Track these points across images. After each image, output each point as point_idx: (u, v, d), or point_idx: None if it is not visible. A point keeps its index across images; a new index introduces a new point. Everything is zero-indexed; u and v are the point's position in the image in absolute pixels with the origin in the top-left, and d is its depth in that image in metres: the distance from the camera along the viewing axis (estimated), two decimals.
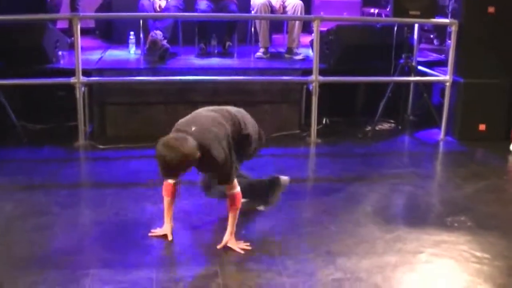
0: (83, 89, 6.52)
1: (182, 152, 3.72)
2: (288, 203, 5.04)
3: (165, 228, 4.38)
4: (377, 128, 7.42)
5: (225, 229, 4.24)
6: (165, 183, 4.34)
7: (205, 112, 4.28)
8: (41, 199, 5.05)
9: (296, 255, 4.12)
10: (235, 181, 4.13)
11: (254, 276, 3.83)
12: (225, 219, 4.43)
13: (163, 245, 4.27)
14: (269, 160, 6.23)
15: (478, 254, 4.23)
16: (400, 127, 7.58)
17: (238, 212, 4.19)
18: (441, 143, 7.06)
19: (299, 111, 7.29)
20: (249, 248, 4.18)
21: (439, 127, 7.17)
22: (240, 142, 4.23)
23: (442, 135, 7.14)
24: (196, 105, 6.88)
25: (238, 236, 4.31)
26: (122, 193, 5.24)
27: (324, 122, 7.40)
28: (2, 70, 6.74)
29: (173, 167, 3.76)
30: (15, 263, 3.97)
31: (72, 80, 6.47)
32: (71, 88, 6.51)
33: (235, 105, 6.85)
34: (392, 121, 7.72)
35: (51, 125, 7.12)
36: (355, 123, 7.57)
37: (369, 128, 7.34)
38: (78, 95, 6.48)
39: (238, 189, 4.14)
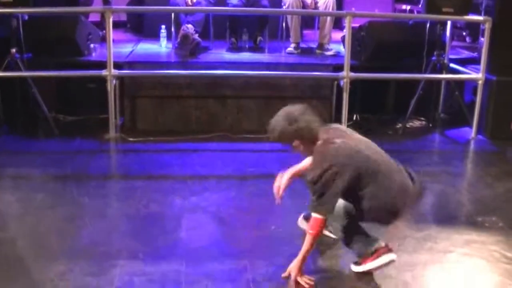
0: (114, 82, 6.54)
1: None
2: None
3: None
4: (407, 126, 7.36)
5: (254, 224, 4.25)
6: None
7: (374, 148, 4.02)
8: (72, 190, 5.08)
9: (325, 251, 4.11)
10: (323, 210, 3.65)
11: (283, 271, 3.81)
12: (256, 213, 4.46)
13: (192, 238, 4.28)
14: (299, 155, 6.22)
15: (509, 254, 4.18)
16: (431, 125, 7.51)
17: (314, 239, 3.68)
18: (472, 142, 6.99)
19: (330, 107, 7.25)
20: (312, 283, 3.71)
21: (470, 125, 7.10)
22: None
23: (473, 133, 7.07)
24: (226, 99, 6.98)
25: (267, 230, 4.32)
26: (151, 185, 5.26)
27: (354, 118, 7.36)
28: (32, 62, 6.78)
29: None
30: (44, 252, 4.00)
31: (104, 72, 6.50)
32: (102, 80, 6.54)
33: (266, 99, 6.90)
34: (423, 118, 7.65)
35: (83, 117, 7.17)
36: (385, 120, 7.53)
37: (399, 125, 7.29)
38: (109, 88, 6.51)
39: (322, 216, 3.64)
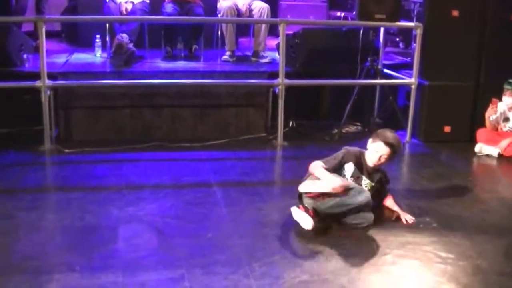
0: (48, 92, 6.46)
1: None
2: (254, 206, 5.05)
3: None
4: (343, 131, 7.45)
5: (191, 232, 4.24)
6: None
7: None
8: (5, 203, 4.98)
9: (262, 258, 4.12)
10: None
11: (220, 279, 3.82)
12: (192, 222, 4.45)
13: (129, 248, 4.24)
14: (235, 164, 6.23)
15: (443, 254, 4.27)
16: (366, 130, 7.59)
17: None
18: (406, 145, 7.10)
19: (265, 114, 7.30)
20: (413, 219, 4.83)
21: (404, 129, 7.22)
22: None
23: (407, 137, 7.20)
24: (161, 109, 6.95)
25: (204, 238, 4.33)
26: (87, 197, 5.19)
27: (290, 125, 7.42)
28: None
29: None
30: None
31: (37, 83, 6.41)
32: (36, 91, 6.44)
33: (201, 107, 6.93)
34: (358, 123, 7.76)
35: (16, 129, 7.04)
36: (321, 126, 7.59)
37: (335, 130, 7.35)
38: (43, 99, 6.41)
39: None
